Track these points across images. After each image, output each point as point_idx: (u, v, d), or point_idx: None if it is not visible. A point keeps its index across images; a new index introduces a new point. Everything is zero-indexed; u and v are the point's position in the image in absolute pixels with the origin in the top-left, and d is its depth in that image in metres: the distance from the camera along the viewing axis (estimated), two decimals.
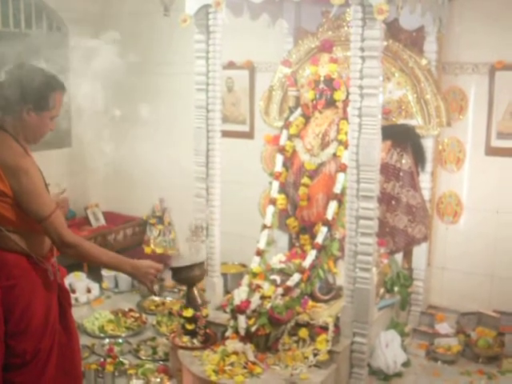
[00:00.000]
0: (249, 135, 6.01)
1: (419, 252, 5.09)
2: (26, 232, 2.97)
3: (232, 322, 4.23)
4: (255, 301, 4.17)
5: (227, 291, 4.85)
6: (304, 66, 5.19)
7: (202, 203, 4.68)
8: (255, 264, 4.69)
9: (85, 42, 5.74)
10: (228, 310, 4.31)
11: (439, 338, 4.75)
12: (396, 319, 4.81)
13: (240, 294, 4.28)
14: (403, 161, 4.84)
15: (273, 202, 4.94)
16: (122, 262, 3.16)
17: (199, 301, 3.90)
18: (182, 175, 5.86)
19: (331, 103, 4.79)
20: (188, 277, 3.66)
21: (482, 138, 5.03)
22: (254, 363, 3.97)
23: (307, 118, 4.97)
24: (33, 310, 2.99)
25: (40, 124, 2.99)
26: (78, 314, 3.36)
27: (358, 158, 4.02)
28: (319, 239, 4.55)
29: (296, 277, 4.42)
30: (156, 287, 3.28)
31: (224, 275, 4.96)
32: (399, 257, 5.06)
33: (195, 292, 3.83)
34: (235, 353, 4.02)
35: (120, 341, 4.91)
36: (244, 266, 5.65)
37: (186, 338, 4.27)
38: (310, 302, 4.42)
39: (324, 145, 4.78)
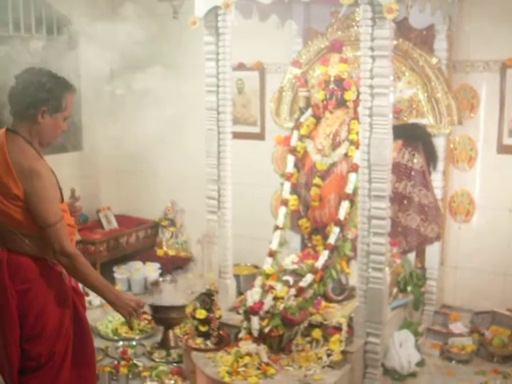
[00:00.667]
0: (260, 136, 6.01)
1: (432, 251, 5.08)
2: (40, 236, 2.98)
3: (245, 324, 4.24)
4: (268, 302, 4.17)
5: (240, 292, 4.85)
6: (314, 66, 5.19)
7: (213, 205, 4.69)
8: (268, 265, 4.69)
9: (94, 45, 5.77)
10: (241, 311, 4.32)
11: (453, 338, 4.73)
12: (409, 319, 4.79)
13: (253, 296, 4.28)
14: (415, 160, 4.83)
15: (285, 202, 4.94)
16: (108, 289, 3.14)
17: (172, 344, 3.84)
18: (194, 177, 5.88)
19: (342, 103, 4.78)
20: (164, 318, 3.61)
21: (494, 135, 5.01)
22: (267, 364, 3.97)
23: (318, 119, 4.97)
24: (48, 314, 3.00)
25: (54, 126, 3.02)
26: (91, 316, 3.37)
27: (370, 158, 4.02)
28: (331, 239, 4.55)
29: (309, 277, 4.41)
30: (135, 321, 3.25)
31: (236, 277, 4.97)
32: (412, 256, 5.04)
33: (170, 334, 3.77)
34: (249, 354, 4.03)
35: (134, 343, 4.92)
36: (256, 267, 5.64)
37: (199, 340, 4.28)
38: (323, 303, 4.42)
39: (335, 145, 4.77)
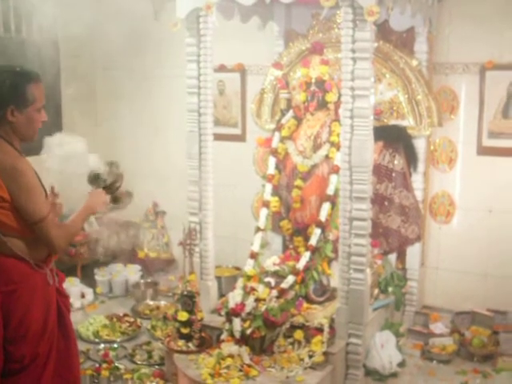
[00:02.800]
0: (241, 138, 6.01)
1: (413, 252, 5.10)
2: (25, 237, 2.95)
3: (227, 325, 4.23)
4: (250, 303, 4.17)
5: (222, 294, 4.85)
6: (295, 68, 5.20)
7: (195, 206, 4.69)
8: (249, 267, 4.69)
9: (75, 47, 5.74)
10: (223, 313, 4.32)
11: (434, 338, 4.76)
12: (391, 320, 4.81)
13: (235, 297, 4.28)
14: (395, 161, 4.85)
15: (266, 204, 4.94)
16: (84, 212, 3.31)
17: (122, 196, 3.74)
18: (175, 179, 5.86)
19: (323, 105, 4.80)
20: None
21: (474, 137, 5.04)
22: (249, 366, 3.97)
23: (299, 120, 4.98)
24: (32, 316, 2.97)
25: (29, 121, 2.95)
26: (72, 319, 3.36)
27: (351, 160, 4.03)
28: (313, 241, 4.56)
29: (290, 279, 4.42)
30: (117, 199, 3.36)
31: (218, 278, 4.96)
32: (393, 257, 5.06)
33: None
34: (231, 356, 4.02)
35: (115, 346, 4.90)
36: (238, 268, 5.64)
37: (181, 342, 4.27)
38: (305, 304, 4.42)
39: (316, 147, 4.78)
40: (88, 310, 5.63)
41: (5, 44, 5.74)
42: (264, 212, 4.92)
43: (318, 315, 4.33)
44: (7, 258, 2.94)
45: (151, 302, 5.68)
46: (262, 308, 4.13)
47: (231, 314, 4.19)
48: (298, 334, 4.16)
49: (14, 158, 2.90)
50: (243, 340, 4.12)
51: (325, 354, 4.07)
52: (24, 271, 2.96)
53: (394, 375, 4.39)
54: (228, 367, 3.95)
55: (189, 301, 4.29)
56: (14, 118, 2.90)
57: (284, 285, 4.37)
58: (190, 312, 4.27)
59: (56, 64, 6.26)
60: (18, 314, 2.94)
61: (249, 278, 4.54)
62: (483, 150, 5.02)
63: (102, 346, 4.89)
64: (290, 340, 4.18)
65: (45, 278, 3.04)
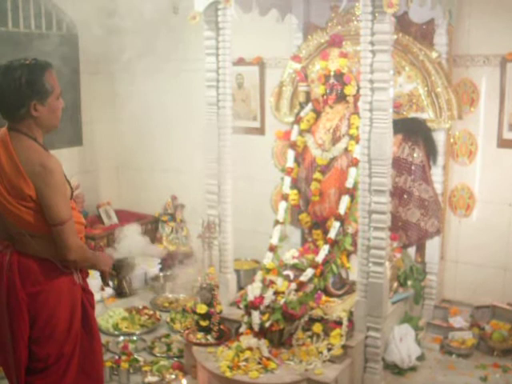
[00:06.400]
0: (260, 131, 6.01)
1: (432, 246, 5.08)
2: (51, 237, 2.89)
3: (246, 318, 4.24)
4: (269, 296, 4.18)
5: (241, 287, 4.86)
6: (314, 61, 5.19)
7: (213, 199, 4.69)
8: (268, 260, 4.70)
9: (95, 41, 5.75)
10: (242, 305, 4.32)
11: (453, 332, 4.74)
12: (410, 313, 4.80)
13: (254, 290, 4.29)
14: (415, 154, 4.83)
15: (285, 197, 4.94)
16: (97, 258, 3.21)
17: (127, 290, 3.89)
18: (194, 172, 5.88)
19: (342, 98, 4.78)
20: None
21: (494, 130, 5.00)
22: (268, 359, 3.98)
23: (318, 113, 4.97)
24: (58, 316, 2.95)
25: (51, 110, 2.90)
26: None
27: (370, 153, 4.02)
28: (332, 234, 4.55)
29: (309, 272, 4.42)
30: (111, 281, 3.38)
31: (237, 271, 4.97)
32: (412, 251, 5.05)
33: (123, 282, 3.83)
34: (249, 349, 4.03)
35: (134, 338, 4.93)
36: (257, 261, 5.65)
37: (200, 335, 4.29)
38: (324, 297, 4.43)
39: (335, 140, 4.77)
40: (107, 302, 5.66)
41: (23, 39, 5.78)
42: (283, 205, 4.92)
43: (337, 308, 4.34)
44: (34, 259, 2.92)
45: (170, 295, 5.71)
46: (281, 301, 4.13)
47: (250, 306, 4.19)
48: (317, 327, 4.16)
49: (43, 156, 2.84)
50: (262, 333, 4.13)
51: (343, 347, 4.06)
52: (51, 272, 2.93)
53: (412, 369, 4.39)
54: (247, 360, 3.96)
55: (208, 294, 4.30)
56: (37, 112, 2.85)
57: (303, 278, 4.38)
58: (209, 305, 4.29)
59: (75, 59, 6.30)
60: (44, 314, 2.92)
61: (268, 271, 4.55)
62: (503, 143, 4.98)
63: (122, 338, 4.93)
64: (309, 333, 4.18)
65: (71, 278, 3.01)
